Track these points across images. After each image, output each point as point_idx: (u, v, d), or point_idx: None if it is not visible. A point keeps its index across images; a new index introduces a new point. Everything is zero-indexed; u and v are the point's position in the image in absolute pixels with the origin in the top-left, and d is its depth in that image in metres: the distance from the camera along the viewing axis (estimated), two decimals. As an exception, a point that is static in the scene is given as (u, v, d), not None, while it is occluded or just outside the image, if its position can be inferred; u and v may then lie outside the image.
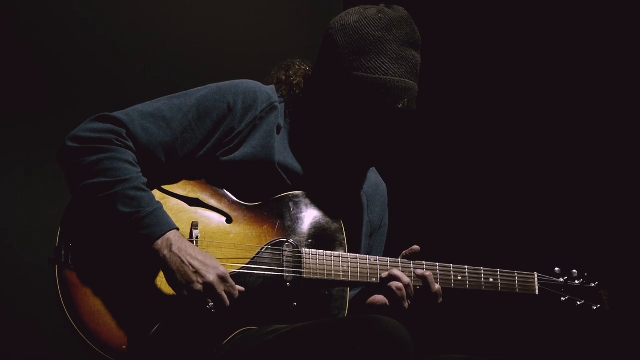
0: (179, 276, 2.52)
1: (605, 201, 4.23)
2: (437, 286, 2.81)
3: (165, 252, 2.52)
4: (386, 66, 2.69)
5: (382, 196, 3.09)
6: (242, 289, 2.60)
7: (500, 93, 4.55)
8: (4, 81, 3.77)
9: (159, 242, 2.52)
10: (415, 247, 2.88)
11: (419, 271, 2.81)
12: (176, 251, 2.52)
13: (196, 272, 2.53)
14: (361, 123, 2.72)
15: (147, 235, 2.52)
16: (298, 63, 2.90)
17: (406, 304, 2.76)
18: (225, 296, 2.54)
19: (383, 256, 2.87)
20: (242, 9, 4.36)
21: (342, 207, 2.87)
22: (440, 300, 2.83)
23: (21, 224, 3.73)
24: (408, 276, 2.79)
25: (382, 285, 2.78)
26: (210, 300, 2.54)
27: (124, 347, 2.52)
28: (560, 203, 4.35)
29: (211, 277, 2.53)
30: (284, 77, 2.87)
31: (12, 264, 3.71)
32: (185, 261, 2.52)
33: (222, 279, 2.55)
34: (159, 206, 2.56)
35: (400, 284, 2.76)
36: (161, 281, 2.57)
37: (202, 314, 2.55)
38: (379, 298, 2.84)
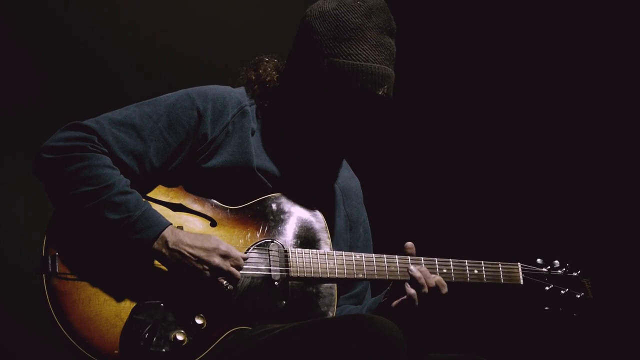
0: (186, 270, 2.56)
1: (582, 193, 4.28)
2: (437, 277, 2.81)
3: (164, 250, 2.54)
4: (367, 53, 2.71)
5: (357, 189, 3.10)
6: (245, 255, 2.65)
7: (481, 84, 4.61)
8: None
9: (155, 244, 2.54)
10: (409, 243, 2.89)
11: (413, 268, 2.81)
12: (173, 247, 2.55)
13: (199, 260, 2.56)
14: (341, 110, 2.74)
15: (142, 239, 2.53)
16: (267, 58, 2.91)
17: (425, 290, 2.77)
18: (234, 270, 2.60)
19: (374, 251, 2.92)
20: (242, 8, 4.39)
21: (321, 202, 2.90)
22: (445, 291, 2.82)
23: (18, 225, 3.72)
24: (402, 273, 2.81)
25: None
26: (223, 280, 2.58)
27: (116, 351, 2.51)
28: (537, 195, 4.40)
29: (216, 259, 2.57)
30: (254, 76, 2.88)
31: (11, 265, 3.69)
32: (186, 253, 2.56)
33: (225, 256, 2.59)
34: (147, 207, 2.57)
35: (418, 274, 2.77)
36: (150, 283, 2.57)
37: (221, 295, 2.59)
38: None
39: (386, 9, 2.80)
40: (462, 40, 4.65)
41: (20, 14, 3.86)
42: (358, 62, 2.70)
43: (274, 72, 2.87)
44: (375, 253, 2.88)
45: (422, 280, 2.77)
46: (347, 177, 3.07)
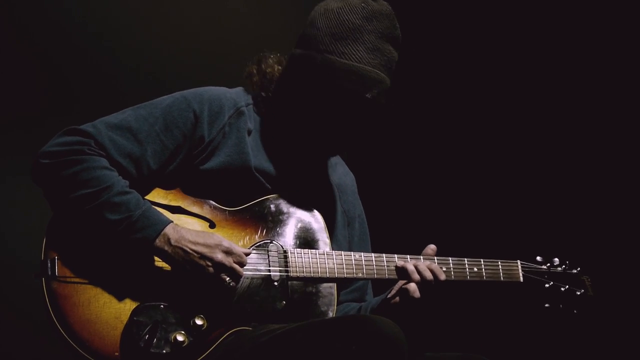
0: (189, 267, 2.57)
1: (580, 190, 4.29)
2: (432, 265, 2.83)
3: (166, 247, 2.56)
4: (360, 54, 2.71)
5: (352, 185, 3.12)
6: (248, 251, 2.66)
7: (478, 81, 4.62)
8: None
9: (157, 241, 2.55)
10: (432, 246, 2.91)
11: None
12: (175, 243, 2.56)
13: (202, 256, 2.58)
14: (329, 108, 2.74)
15: (144, 238, 2.54)
16: (272, 56, 2.92)
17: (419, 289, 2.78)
18: (236, 267, 2.61)
19: (370, 247, 2.95)
20: (241, 9, 4.40)
21: (318, 200, 2.91)
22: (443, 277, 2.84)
23: (17, 228, 3.72)
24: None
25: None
26: (226, 277, 2.59)
27: (116, 353, 2.51)
28: (536, 193, 4.41)
29: (218, 255, 2.58)
30: (255, 70, 2.90)
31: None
32: (189, 250, 2.57)
33: (227, 253, 2.60)
34: (147, 206, 2.58)
35: (411, 269, 2.79)
36: (150, 285, 2.58)
37: (224, 290, 2.61)
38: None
39: (391, 16, 2.79)
40: (458, 35, 4.67)
41: (19, 15, 3.86)
42: (350, 62, 2.71)
43: (275, 65, 2.88)
44: (372, 247, 2.90)
45: (416, 275, 2.79)
46: (342, 174, 3.09)
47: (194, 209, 2.72)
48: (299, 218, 2.82)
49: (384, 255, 2.86)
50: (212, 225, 2.72)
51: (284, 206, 2.82)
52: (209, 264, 2.58)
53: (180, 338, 2.54)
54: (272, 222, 2.79)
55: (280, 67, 2.87)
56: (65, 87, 3.97)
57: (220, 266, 2.59)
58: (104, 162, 2.60)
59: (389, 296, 2.87)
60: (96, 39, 4.03)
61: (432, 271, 2.81)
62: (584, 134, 4.34)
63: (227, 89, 2.87)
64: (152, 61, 4.13)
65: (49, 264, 2.53)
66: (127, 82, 4.05)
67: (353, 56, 2.71)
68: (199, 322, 2.58)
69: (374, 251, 2.99)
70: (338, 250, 2.87)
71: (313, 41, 2.75)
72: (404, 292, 2.79)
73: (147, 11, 4.18)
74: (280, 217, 2.80)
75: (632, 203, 4.18)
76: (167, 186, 2.73)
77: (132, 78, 4.07)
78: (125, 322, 2.53)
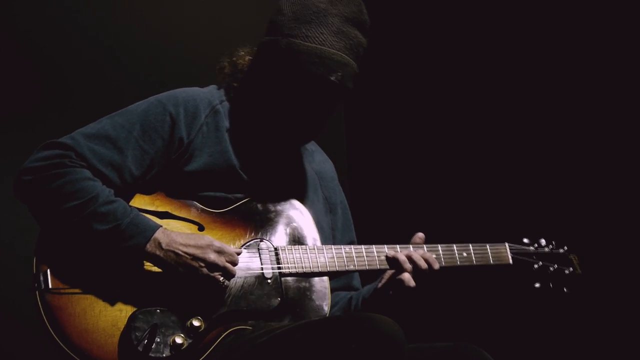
0: (182, 269, 2.57)
1: (560, 171, 4.33)
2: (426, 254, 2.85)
3: (158, 252, 2.56)
4: (324, 37, 2.71)
5: (332, 172, 3.12)
6: (239, 250, 2.67)
7: (459, 65, 4.65)
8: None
9: (148, 247, 2.55)
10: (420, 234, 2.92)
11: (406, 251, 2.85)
12: (167, 247, 2.56)
13: (194, 258, 2.58)
14: (295, 93, 2.74)
15: (134, 245, 2.54)
16: (245, 50, 2.91)
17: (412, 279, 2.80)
18: (229, 266, 2.62)
19: (354, 233, 3.00)
20: (241, 9, 4.42)
21: (300, 190, 2.93)
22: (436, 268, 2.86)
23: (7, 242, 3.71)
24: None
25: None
26: (219, 277, 2.60)
27: None
28: (518, 176, 4.44)
29: (211, 256, 2.59)
30: (227, 63, 2.89)
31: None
32: (180, 252, 2.57)
33: (219, 252, 2.61)
34: (134, 213, 2.59)
35: (403, 258, 2.81)
36: (144, 290, 2.58)
37: (218, 291, 2.62)
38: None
39: (358, 1, 2.80)
40: (437, 20, 4.70)
41: (19, 14, 3.86)
42: (313, 45, 2.71)
43: (247, 56, 2.88)
44: (358, 237, 2.95)
45: (408, 265, 2.81)
46: (321, 161, 3.10)
47: (182, 213, 2.72)
48: (287, 214, 2.84)
49: (373, 246, 2.87)
50: (201, 228, 2.73)
51: (271, 204, 2.83)
52: (202, 264, 2.59)
53: (179, 340, 2.54)
54: (260, 221, 2.79)
55: (251, 58, 2.88)
56: (65, 87, 3.98)
57: (213, 266, 2.60)
58: (87, 173, 2.60)
59: (380, 286, 2.89)
60: (96, 38, 4.05)
61: (426, 260, 2.83)
62: (559, 113, 4.37)
63: (200, 88, 2.88)
64: (152, 61, 4.13)
65: (42, 277, 2.53)
66: (127, 81, 4.06)
67: (316, 39, 2.71)
68: (196, 323, 2.58)
69: (360, 241, 3.03)
70: (323, 239, 2.89)
71: (278, 26, 2.76)
72: (398, 282, 2.80)
73: (147, 11, 4.20)
74: (268, 215, 2.81)
75: (613, 179, 4.22)
76: (150, 191, 2.73)
77: (132, 78, 4.07)
78: (122, 329, 2.53)
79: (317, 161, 3.07)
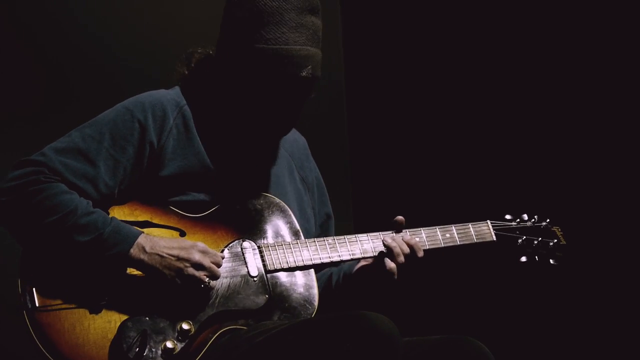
0: (167, 271, 2.60)
1: (536, 145, 4.35)
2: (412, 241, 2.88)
3: (142, 256, 2.58)
4: (286, 36, 2.72)
5: (305, 149, 3.13)
6: (223, 254, 2.69)
7: (447, 50, 4.65)
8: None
9: (132, 252, 2.57)
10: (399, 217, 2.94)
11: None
12: (151, 251, 2.59)
13: (179, 259, 2.60)
14: (267, 94, 2.76)
15: (118, 253, 2.56)
16: (199, 50, 2.92)
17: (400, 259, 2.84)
18: (214, 267, 2.64)
19: (333, 211, 3.06)
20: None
21: (277, 180, 2.94)
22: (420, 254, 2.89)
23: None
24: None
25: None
26: (205, 277, 2.62)
27: None
28: (492, 153, 4.45)
29: (196, 256, 2.62)
30: (187, 71, 2.90)
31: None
32: (165, 255, 2.60)
33: (203, 253, 2.64)
34: (115, 221, 2.60)
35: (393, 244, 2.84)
36: (131, 299, 2.59)
37: (202, 292, 2.63)
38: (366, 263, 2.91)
39: None
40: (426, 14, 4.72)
41: (18, 13, 3.87)
42: (278, 46, 2.71)
43: (207, 59, 2.89)
44: (338, 222, 2.98)
45: (398, 249, 2.83)
46: (293, 140, 3.09)
47: (162, 220, 2.73)
48: (267, 212, 2.85)
49: (356, 236, 2.90)
50: (182, 234, 2.74)
51: (249, 203, 2.84)
52: (187, 264, 2.61)
53: (170, 345, 2.55)
54: (241, 222, 2.81)
55: (209, 58, 2.88)
56: (65, 87, 3.99)
57: (198, 265, 2.62)
58: (63, 187, 2.61)
59: (360, 266, 2.91)
60: (95, 37, 4.05)
61: (410, 246, 2.86)
62: (533, 89, 4.39)
63: (165, 90, 2.88)
64: (152, 61, 4.12)
65: (27, 297, 2.54)
66: (127, 81, 4.05)
67: (279, 40, 2.71)
68: (186, 327, 2.59)
69: (340, 224, 3.07)
70: (307, 224, 2.93)
71: (236, 34, 2.76)
72: (380, 263, 2.83)
73: (147, 11, 4.21)
74: (248, 214, 2.83)
75: (590, 149, 4.24)
76: (126, 200, 2.74)
77: (132, 77, 4.07)
78: (111, 340, 2.54)
79: (290, 141, 3.06)
